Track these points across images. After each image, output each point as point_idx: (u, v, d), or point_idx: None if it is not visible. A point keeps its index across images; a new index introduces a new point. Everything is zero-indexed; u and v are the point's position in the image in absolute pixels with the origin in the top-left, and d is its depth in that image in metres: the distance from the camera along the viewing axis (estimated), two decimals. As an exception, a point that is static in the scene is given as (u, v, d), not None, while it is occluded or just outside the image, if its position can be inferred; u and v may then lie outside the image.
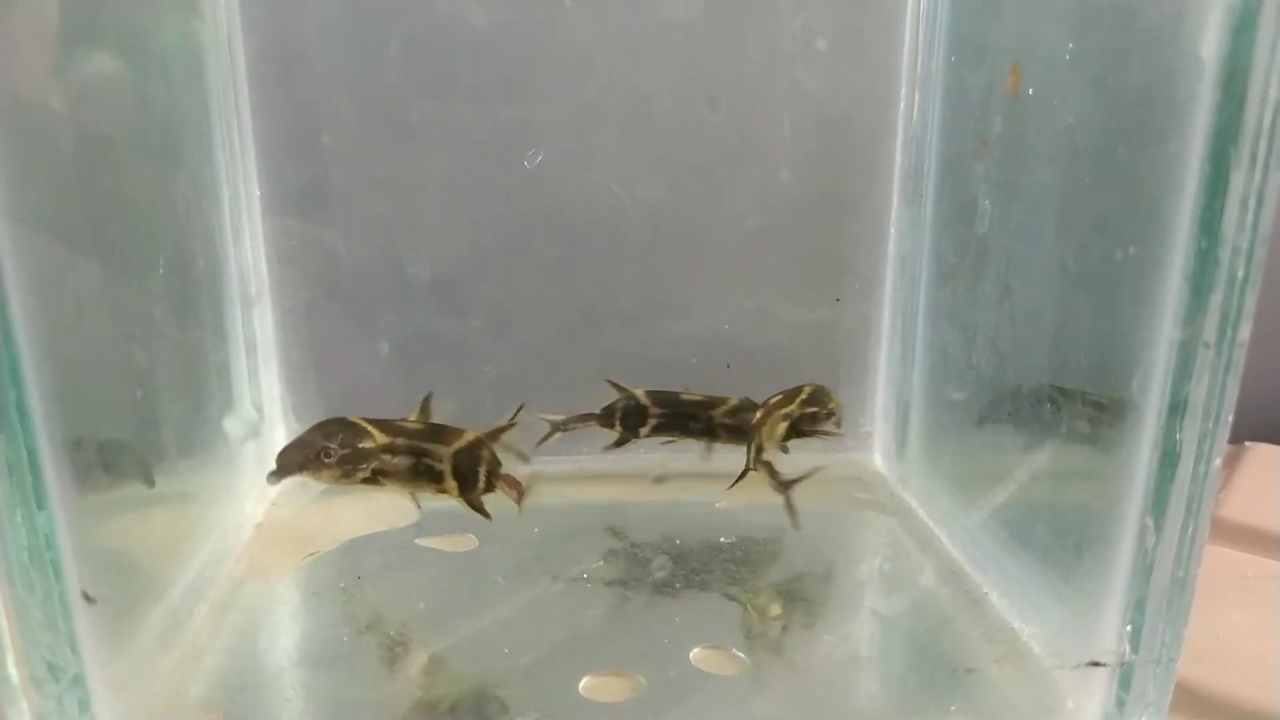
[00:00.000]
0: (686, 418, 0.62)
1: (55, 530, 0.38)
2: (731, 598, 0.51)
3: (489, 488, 0.49)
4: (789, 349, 0.69)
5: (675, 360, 0.67)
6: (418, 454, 0.47)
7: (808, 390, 0.57)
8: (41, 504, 0.37)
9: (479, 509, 0.49)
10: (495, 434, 0.49)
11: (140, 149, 0.50)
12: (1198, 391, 0.37)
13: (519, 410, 0.51)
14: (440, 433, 0.48)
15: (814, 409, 0.57)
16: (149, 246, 0.50)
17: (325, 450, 0.46)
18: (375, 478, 0.46)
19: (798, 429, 0.57)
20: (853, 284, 0.67)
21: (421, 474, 0.47)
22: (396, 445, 0.47)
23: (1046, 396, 0.48)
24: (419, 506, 0.56)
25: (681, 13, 0.61)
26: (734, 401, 0.61)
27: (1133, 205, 0.40)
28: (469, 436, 0.48)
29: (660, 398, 0.62)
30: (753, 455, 0.56)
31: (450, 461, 0.48)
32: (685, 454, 0.69)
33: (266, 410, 0.65)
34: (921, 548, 0.58)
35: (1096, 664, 0.42)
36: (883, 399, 0.70)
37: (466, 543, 0.58)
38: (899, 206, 0.65)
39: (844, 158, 0.65)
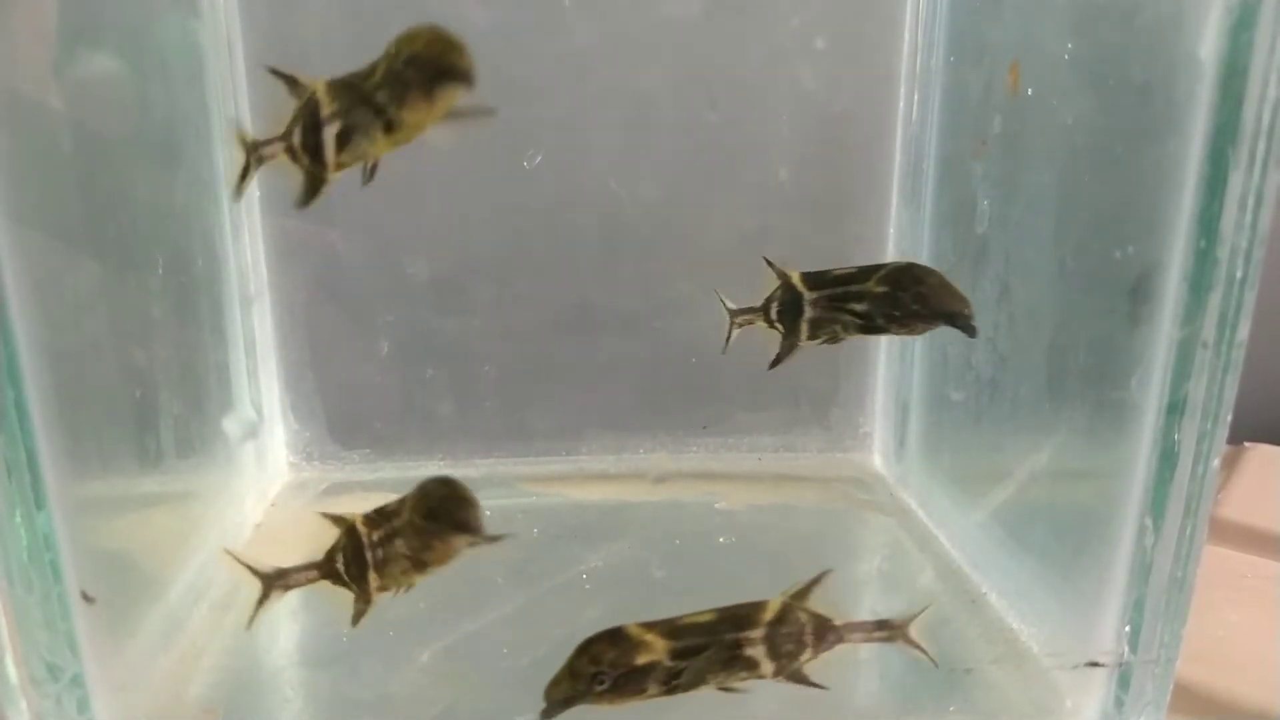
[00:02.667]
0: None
1: (54, 530, 0.38)
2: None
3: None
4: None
5: (674, 361, 0.67)
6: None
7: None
8: (40, 504, 0.37)
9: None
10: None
11: (139, 148, 0.50)
12: (1196, 391, 0.37)
13: None
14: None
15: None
16: (148, 246, 0.50)
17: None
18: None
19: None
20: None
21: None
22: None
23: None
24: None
25: (681, 12, 0.61)
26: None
27: (1132, 204, 0.40)
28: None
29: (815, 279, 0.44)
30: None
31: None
32: (686, 454, 0.69)
33: (265, 410, 0.65)
34: (920, 548, 0.58)
35: (1095, 664, 0.42)
36: (882, 399, 0.70)
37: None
38: (898, 206, 0.65)
39: (843, 157, 0.65)
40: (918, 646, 0.40)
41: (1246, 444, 0.77)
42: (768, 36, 0.62)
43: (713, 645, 0.38)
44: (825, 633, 0.39)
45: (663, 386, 0.68)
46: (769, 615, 0.38)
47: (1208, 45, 0.34)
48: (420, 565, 0.40)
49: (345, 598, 0.40)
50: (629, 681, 0.38)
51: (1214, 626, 0.52)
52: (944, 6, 0.59)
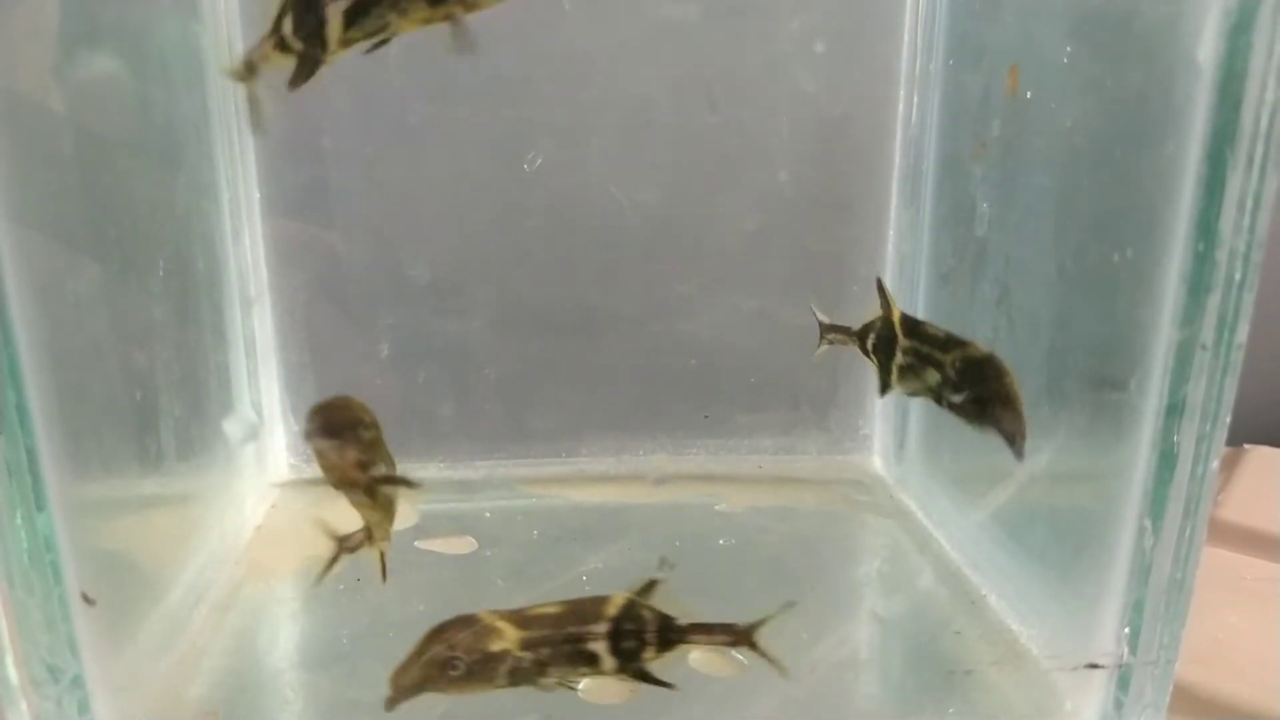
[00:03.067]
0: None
1: (55, 532, 0.38)
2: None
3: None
4: (788, 351, 0.69)
5: (674, 363, 0.67)
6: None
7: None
8: (41, 505, 0.37)
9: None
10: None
11: (140, 151, 0.50)
12: (1195, 393, 0.37)
13: None
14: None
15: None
16: (148, 248, 0.50)
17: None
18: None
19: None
20: (851, 286, 0.67)
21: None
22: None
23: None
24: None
25: (680, 14, 0.61)
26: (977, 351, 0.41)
27: (1130, 207, 0.40)
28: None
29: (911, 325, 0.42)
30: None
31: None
32: (685, 456, 0.69)
33: (266, 412, 0.65)
34: (920, 549, 0.58)
35: (1095, 665, 0.42)
36: (882, 400, 0.70)
37: (465, 545, 0.58)
38: (898, 208, 0.65)
39: (843, 160, 0.65)
40: (764, 655, 0.38)
41: (1246, 446, 0.77)
42: (767, 39, 0.62)
43: (559, 638, 0.38)
44: (668, 632, 0.38)
45: (662, 388, 0.69)
46: (613, 611, 0.38)
47: (1206, 48, 0.34)
48: (345, 487, 0.38)
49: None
50: (481, 669, 0.37)
51: (1213, 628, 0.52)
52: (943, 10, 0.59)
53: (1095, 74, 0.44)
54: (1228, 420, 0.37)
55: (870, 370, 0.69)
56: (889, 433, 0.69)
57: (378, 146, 0.63)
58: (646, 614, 0.38)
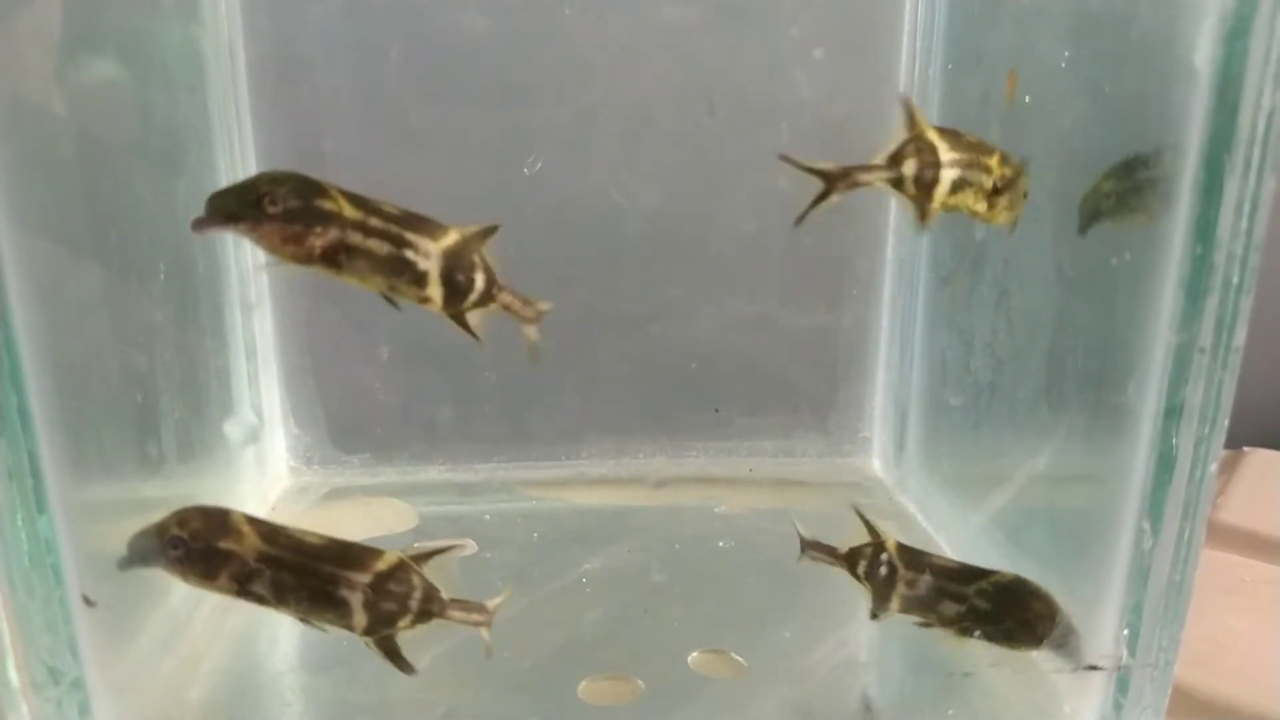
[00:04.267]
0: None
1: (56, 534, 0.38)
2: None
3: (485, 300, 0.39)
4: (788, 354, 0.69)
5: (674, 366, 0.67)
6: (396, 242, 0.36)
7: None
8: (42, 508, 0.37)
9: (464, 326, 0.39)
10: (485, 234, 0.39)
11: (141, 154, 0.50)
12: (1194, 396, 0.37)
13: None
14: (424, 224, 0.37)
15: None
16: (150, 251, 0.50)
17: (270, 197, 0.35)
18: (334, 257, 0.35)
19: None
20: (851, 289, 0.67)
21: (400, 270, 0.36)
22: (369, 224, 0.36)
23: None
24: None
25: (680, 19, 0.61)
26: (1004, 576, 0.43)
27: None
28: (457, 235, 0.37)
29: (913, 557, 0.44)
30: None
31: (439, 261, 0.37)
32: (685, 458, 0.69)
33: (266, 414, 0.65)
34: (920, 552, 0.58)
35: (1094, 667, 0.42)
36: (881, 403, 0.70)
37: (465, 547, 0.58)
38: (897, 211, 0.65)
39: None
40: (485, 638, 0.38)
41: (1245, 448, 0.77)
42: (767, 44, 0.63)
43: (309, 570, 0.36)
44: (430, 603, 0.37)
45: (662, 391, 0.69)
46: (380, 565, 0.36)
47: (1203, 53, 0.34)
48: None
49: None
50: (202, 561, 0.35)
51: (1212, 630, 0.52)
52: (942, 15, 0.59)
53: (1093, 79, 0.44)
54: (1226, 423, 0.37)
55: (870, 373, 0.70)
56: (889, 435, 0.69)
57: (378, 150, 0.63)
58: (415, 580, 0.37)
